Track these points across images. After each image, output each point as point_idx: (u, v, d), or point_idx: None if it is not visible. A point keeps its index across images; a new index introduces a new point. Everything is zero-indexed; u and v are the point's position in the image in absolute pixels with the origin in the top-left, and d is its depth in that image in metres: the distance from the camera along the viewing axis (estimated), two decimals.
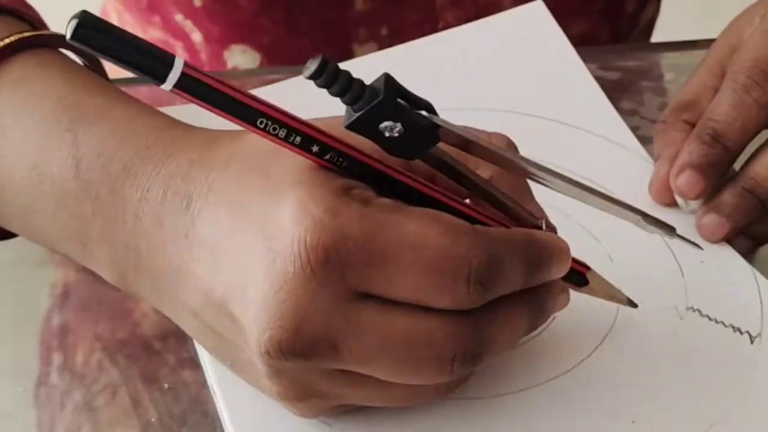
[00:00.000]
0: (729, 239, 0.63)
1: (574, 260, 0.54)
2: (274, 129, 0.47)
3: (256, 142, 0.50)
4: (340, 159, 0.49)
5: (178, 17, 0.87)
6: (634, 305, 0.58)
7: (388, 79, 0.48)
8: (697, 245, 0.58)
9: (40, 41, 0.59)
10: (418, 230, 0.48)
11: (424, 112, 0.49)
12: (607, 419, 0.55)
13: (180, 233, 0.51)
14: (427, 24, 0.85)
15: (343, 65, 0.48)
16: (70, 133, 0.55)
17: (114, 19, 0.92)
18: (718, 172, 0.64)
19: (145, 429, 0.58)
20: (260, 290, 0.48)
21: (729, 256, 0.63)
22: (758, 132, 0.64)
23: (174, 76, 0.46)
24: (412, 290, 0.48)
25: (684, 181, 0.64)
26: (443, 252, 0.47)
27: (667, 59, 0.82)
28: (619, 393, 0.56)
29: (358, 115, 0.48)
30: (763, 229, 0.64)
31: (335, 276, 0.47)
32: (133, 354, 0.61)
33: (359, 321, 0.48)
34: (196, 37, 0.88)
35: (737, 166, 0.65)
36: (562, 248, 0.52)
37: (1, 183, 0.57)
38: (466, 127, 0.51)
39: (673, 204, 0.65)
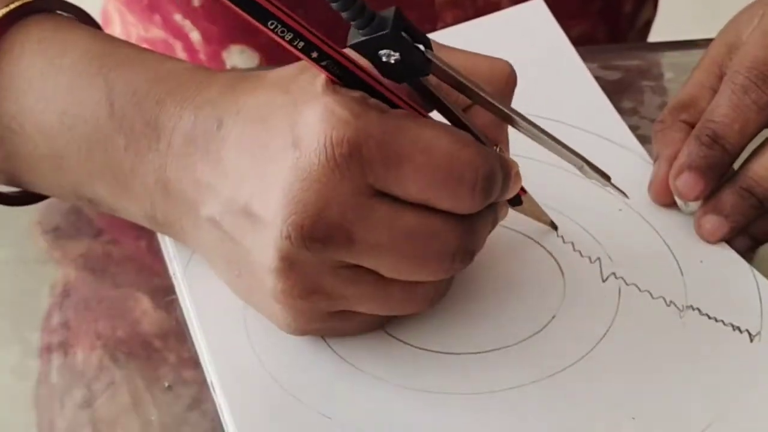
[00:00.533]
0: (728, 239, 0.63)
1: None
2: (282, 32, 0.51)
3: (280, 72, 0.55)
4: (337, 70, 0.53)
5: (177, 17, 0.87)
6: (554, 227, 0.62)
7: (397, 13, 0.53)
8: (624, 193, 0.60)
9: (41, 6, 0.61)
10: (431, 136, 0.52)
11: (421, 47, 0.54)
12: (607, 415, 0.55)
13: (212, 152, 0.55)
14: (427, 24, 0.85)
15: None
16: (100, 77, 0.58)
17: (116, 19, 0.93)
18: (717, 174, 0.64)
19: (145, 428, 0.58)
20: (285, 183, 0.52)
21: (728, 256, 0.63)
22: (757, 133, 0.64)
23: None
24: (422, 190, 0.52)
25: (683, 182, 0.64)
26: (453, 157, 0.52)
27: (667, 59, 0.82)
28: (618, 389, 0.56)
29: (362, 39, 0.53)
30: (762, 228, 0.64)
31: (356, 170, 0.51)
32: (133, 353, 0.61)
33: (373, 214, 0.52)
34: (195, 36, 0.88)
35: (736, 166, 0.65)
36: (517, 171, 0.57)
37: (29, 134, 0.59)
38: (458, 70, 0.55)
39: (673, 204, 0.65)
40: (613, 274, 0.61)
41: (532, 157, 0.67)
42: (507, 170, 0.56)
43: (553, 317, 0.59)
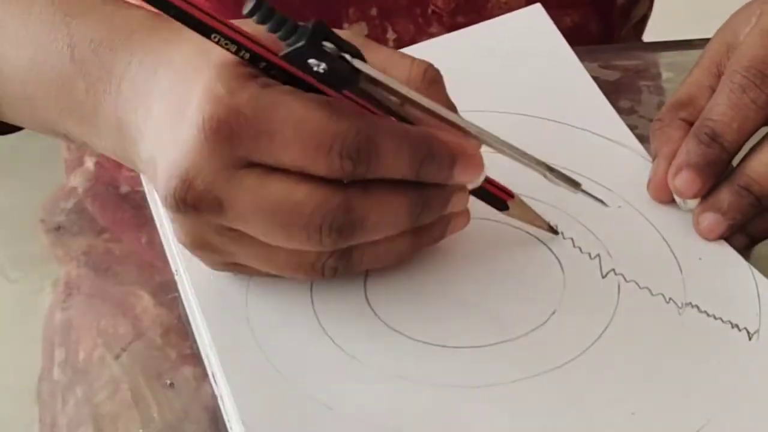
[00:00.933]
0: (726, 237, 0.64)
1: (499, 187, 0.61)
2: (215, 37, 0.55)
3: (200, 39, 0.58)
4: (244, 51, 0.56)
5: None
6: (554, 232, 0.62)
7: (316, 24, 0.55)
8: (602, 201, 0.61)
9: None
10: (304, 109, 0.54)
11: (348, 56, 0.55)
12: (607, 411, 0.56)
13: (147, 99, 0.59)
14: (417, 7, 0.86)
15: None
16: (63, 25, 0.62)
17: None
18: (715, 172, 0.64)
19: (146, 424, 0.58)
20: (169, 149, 0.56)
21: (727, 254, 0.63)
22: (755, 131, 0.64)
23: None
24: (294, 161, 0.54)
25: (682, 180, 0.64)
26: (321, 128, 0.54)
27: (665, 58, 0.82)
28: (618, 385, 0.56)
29: (287, 50, 0.55)
30: (759, 226, 0.64)
31: (225, 144, 0.54)
32: (134, 349, 0.61)
33: (241, 184, 0.55)
34: None
35: (735, 164, 0.65)
36: (470, 156, 0.57)
37: (7, 76, 0.64)
38: (388, 77, 0.57)
39: (671, 202, 0.65)
40: (613, 270, 0.61)
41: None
42: (443, 149, 0.57)
43: (554, 312, 0.59)
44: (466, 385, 0.56)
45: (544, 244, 0.63)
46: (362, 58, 0.56)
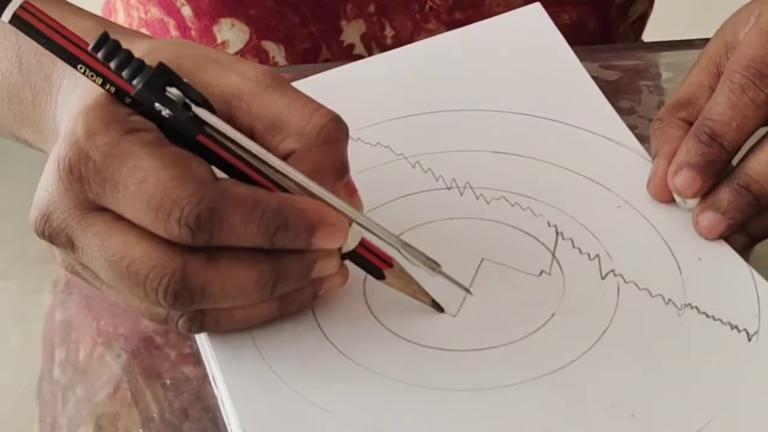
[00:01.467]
0: (726, 236, 0.64)
1: (377, 254, 0.58)
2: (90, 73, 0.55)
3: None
4: (111, 86, 0.55)
5: None
6: (440, 309, 0.60)
7: (158, 67, 0.55)
8: (467, 289, 0.60)
9: None
10: (152, 168, 0.53)
11: (191, 104, 0.55)
12: (606, 412, 0.56)
13: (66, 113, 0.59)
14: (415, 3, 0.86)
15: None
16: (13, 34, 0.63)
17: (120, 8, 0.94)
18: (715, 171, 0.64)
19: (146, 424, 0.58)
20: (43, 177, 0.56)
21: (726, 254, 0.63)
22: (754, 131, 0.64)
23: (7, 15, 0.55)
24: (136, 216, 0.54)
25: (682, 180, 0.64)
26: (162, 191, 0.53)
27: (665, 58, 0.82)
28: (618, 387, 0.57)
29: (132, 95, 0.55)
30: (759, 226, 0.64)
31: (76, 186, 0.55)
32: (134, 349, 0.61)
33: (90, 226, 0.55)
34: (186, 12, 0.89)
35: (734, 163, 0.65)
36: (329, 222, 0.55)
37: None
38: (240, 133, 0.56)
39: (671, 201, 0.65)
40: (612, 271, 0.62)
41: (530, 155, 0.67)
42: (300, 217, 0.54)
43: (553, 315, 0.59)
44: (466, 389, 0.56)
45: (543, 245, 0.63)
46: (210, 108, 0.55)
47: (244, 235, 0.54)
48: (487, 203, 0.65)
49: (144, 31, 0.91)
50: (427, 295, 0.59)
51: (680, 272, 0.62)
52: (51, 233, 0.56)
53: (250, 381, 0.56)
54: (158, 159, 0.54)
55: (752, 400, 0.56)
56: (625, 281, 0.61)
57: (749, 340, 0.59)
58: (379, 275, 0.58)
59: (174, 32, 0.90)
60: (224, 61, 0.58)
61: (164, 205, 0.53)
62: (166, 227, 0.53)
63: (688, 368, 0.57)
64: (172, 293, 0.54)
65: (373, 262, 0.58)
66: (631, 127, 0.71)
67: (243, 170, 0.56)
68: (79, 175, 0.54)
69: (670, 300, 0.60)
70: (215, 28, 0.89)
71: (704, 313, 0.60)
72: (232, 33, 0.88)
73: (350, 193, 0.58)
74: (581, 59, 0.73)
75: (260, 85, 0.57)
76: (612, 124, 0.70)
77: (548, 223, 0.64)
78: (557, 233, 0.63)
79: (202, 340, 0.59)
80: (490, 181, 0.66)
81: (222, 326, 0.57)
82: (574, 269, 0.62)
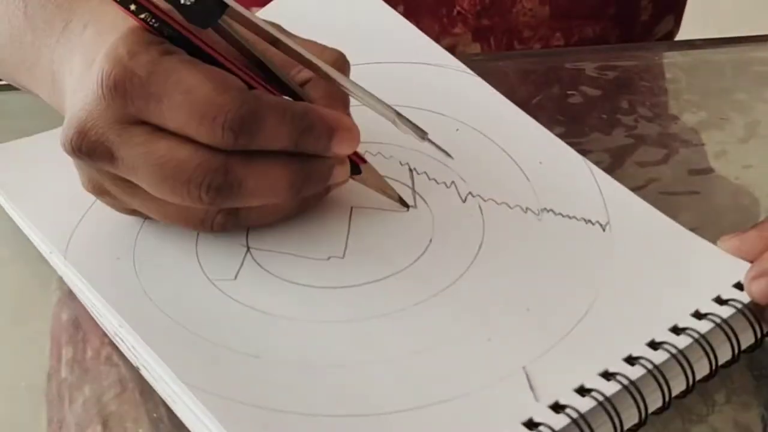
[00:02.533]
0: None
1: (356, 153, 0.64)
2: None
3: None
4: (153, 19, 0.60)
5: None
6: (405, 205, 0.65)
7: None
8: (446, 152, 0.63)
9: None
10: (194, 79, 0.58)
11: None
12: (504, 311, 0.59)
13: (73, 53, 0.64)
14: (443, 7, 0.87)
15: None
16: None
17: None
18: None
19: (154, 423, 0.58)
20: (74, 101, 0.61)
21: (560, 151, 0.68)
22: None
23: None
24: (179, 126, 0.58)
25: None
26: (207, 99, 0.58)
27: (665, 58, 0.83)
28: (506, 289, 0.61)
29: None
30: None
31: (118, 101, 0.59)
32: None
33: (131, 138, 0.59)
34: None
35: None
36: (347, 128, 0.61)
37: None
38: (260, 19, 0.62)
39: None
40: (470, 193, 0.66)
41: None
42: (322, 123, 0.60)
43: (431, 240, 0.63)
44: (367, 317, 0.59)
45: (402, 183, 0.67)
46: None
47: (276, 138, 0.59)
48: None
49: None
50: (393, 190, 0.65)
51: (528, 180, 0.66)
52: (89, 148, 0.59)
53: (178, 347, 0.59)
54: (199, 72, 0.59)
55: (620, 278, 0.61)
56: (483, 200, 0.65)
57: (604, 230, 0.63)
58: (357, 171, 0.64)
59: None
60: None
61: (209, 111, 0.58)
62: (211, 132, 0.58)
63: (562, 262, 0.62)
64: (216, 188, 0.59)
65: (353, 159, 0.64)
66: (631, 127, 0.71)
67: (260, 60, 0.62)
68: (124, 90, 0.58)
69: (527, 208, 0.65)
70: None
71: (560, 214, 0.65)
72: None
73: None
74: (582, 59, 0.74)
75: (271, 26, 0.62)
76: (431, 50, 0.74)
77: (400, 163, 0.68)
78: (411, 170, 0.67)
79: (116, 329, 0.61)
80: None
81: (252, 221, 0.63)
82: (437, 198, 0.66)
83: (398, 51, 0.74)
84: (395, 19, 0.76)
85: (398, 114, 0.62)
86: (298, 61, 0.62)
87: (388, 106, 0.62)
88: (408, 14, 0.87)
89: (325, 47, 0.64)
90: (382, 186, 0.65)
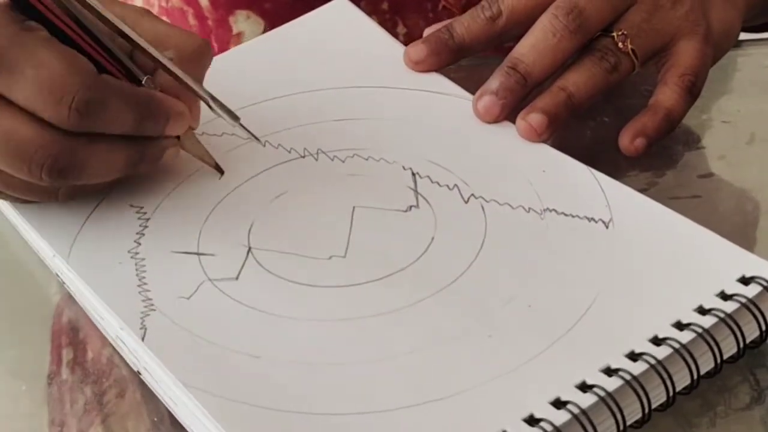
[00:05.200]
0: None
1: None
2: None
3: None
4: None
5: None
6: (221, 171, 0.68)
7: None
8: (256, 138, 0.66)
9: None
10: (48, 57, 0.60)
11: None
12: (506, 307, 0.60)
13: None
14: (428, 2, 0.87)
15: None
16: None
17: None
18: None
19: (155, 425, 0.58)
20: None
21: (565, 163, 0.68)
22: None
23: None
24: (27, 100, 0.60)
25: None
26: (57, 77, 0.59)
27: None
28: (509, 285, 0.61)
29: None
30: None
31: None
32: None
33: None
34: (204, 2, 0.92)
35: None
36: (179, 113, 0.64)
37: None
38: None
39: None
40: (472, 194, 0.66)
41: (369, 117, 0.72)
42: (161, 108, 0.63)
43: (432, 239, 0.64)
44: (370, 315, 0.60)
45: (405, 185, 0.67)
46: None
47: (119, 122, 0.62)
48: (343, 162, 0.69)
49: (165, 18, 0.93)
50: (211, 157, 0.68)
51: (531, 184, 0.67)
52: None
53: (175, 347, 0.59)
54: (53, 51, 0.60)
55: (622, 274, 0.61)
56: (486, 201, 0.66)
57: (607, 227, 0.64)
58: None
59: (192, 21, 0.93)
60: None
61: (58, 90, 0.59)
62: (57, 110, 0.59)
63: (564, 259, 0.62)
64: (58, 170, 0.60)
65: None
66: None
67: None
68: None
69: (530, 208, 0.65)
70: (231, 19, 0.92)
71: (563, 213, 0.65)
72: (247, 24, 0.91)
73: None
74: None
75: (139, 12, 0.65)
76: (432, 80, 0.74)
77: (403, 167, 0.68)
78: (413, 174, 0.68)
79: (114, 329, 0.61)
80: (340, 144, 0.70)
81: (93, 187, 0.65)
82: (439, 199, 0.66)
83: (403, 78, 0.75)
84: (399, 49, 0.76)
85: (213, 97, 0.65)
86: (141, 52, 0.64)
87: (205, 90, 0.65)
88: (393, 11, 0.87)
89: (189, 34, 0.66)
90: (203, 155, 0.68)
